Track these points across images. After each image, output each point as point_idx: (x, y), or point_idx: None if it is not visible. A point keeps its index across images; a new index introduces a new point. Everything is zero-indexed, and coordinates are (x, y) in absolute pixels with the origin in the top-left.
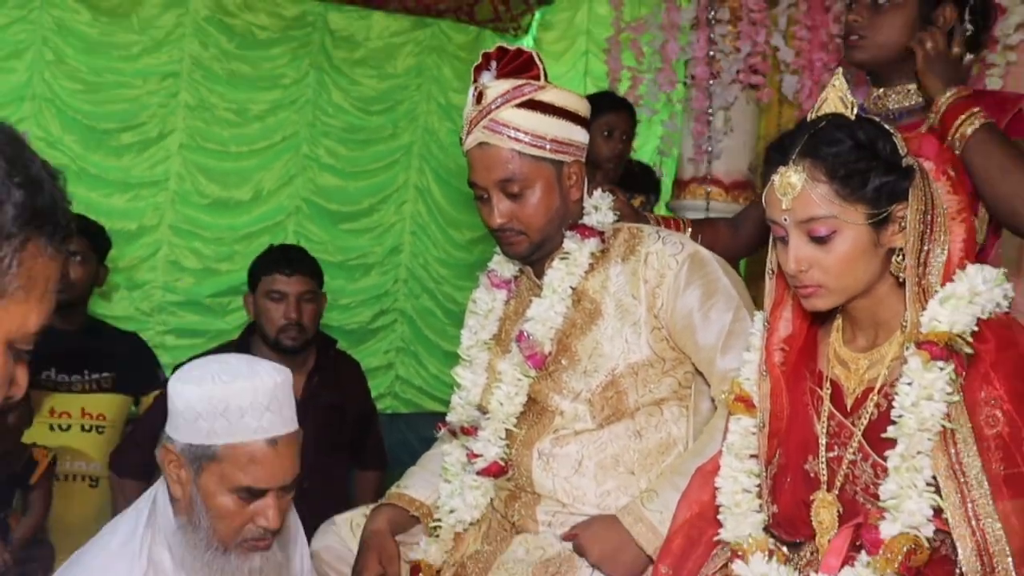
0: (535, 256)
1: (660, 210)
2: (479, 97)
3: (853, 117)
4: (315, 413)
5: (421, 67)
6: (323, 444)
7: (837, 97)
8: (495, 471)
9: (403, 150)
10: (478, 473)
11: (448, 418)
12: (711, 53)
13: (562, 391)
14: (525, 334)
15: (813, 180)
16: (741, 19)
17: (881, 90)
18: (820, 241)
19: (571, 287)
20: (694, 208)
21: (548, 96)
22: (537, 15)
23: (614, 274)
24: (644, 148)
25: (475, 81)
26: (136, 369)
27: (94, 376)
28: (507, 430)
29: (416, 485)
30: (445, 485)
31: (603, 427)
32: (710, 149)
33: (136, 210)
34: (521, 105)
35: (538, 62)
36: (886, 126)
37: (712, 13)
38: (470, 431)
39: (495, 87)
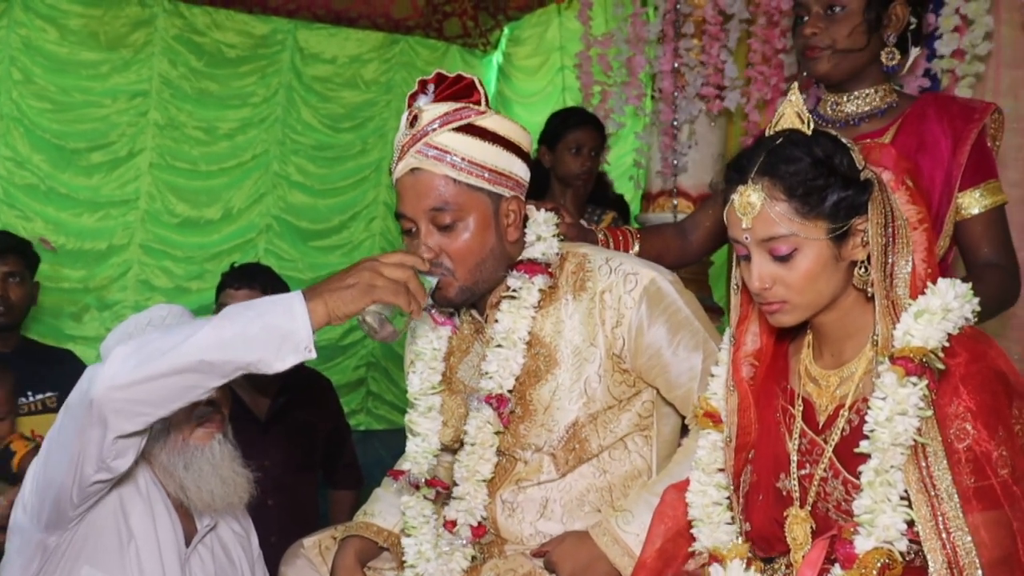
0: (469, 299)
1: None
2: (413, 120)
3: (810, 132)
4: (281, 433)
5: (390, 83)
6: (290, 463)
7: (794, 112)
8: (480, 534)
9: (372, 167)
10: (467, 542)
11: (406, 468)
12: (676, 67)
13: (522, 444)
14: (492, 395)
15: (772, 199)
16: (705, 32)
17: (838, 96)
18: (782, 259)
19: (527, 333)
20: (662, 221)
21: (489, 122)
22: (506, 31)
23: (566, 315)
24: (619, 161)
25: (409, 107)
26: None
27: (38, 397)
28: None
29: (383, 512)
30: (409, 541)
31: (567, 475)
32: (676, 162)
33: (106, 229)
34: (459, 129)
35: (479, 88)
36: (843, 139)
37: (678, 27)
38: (435, 483)
39: (431, 110)
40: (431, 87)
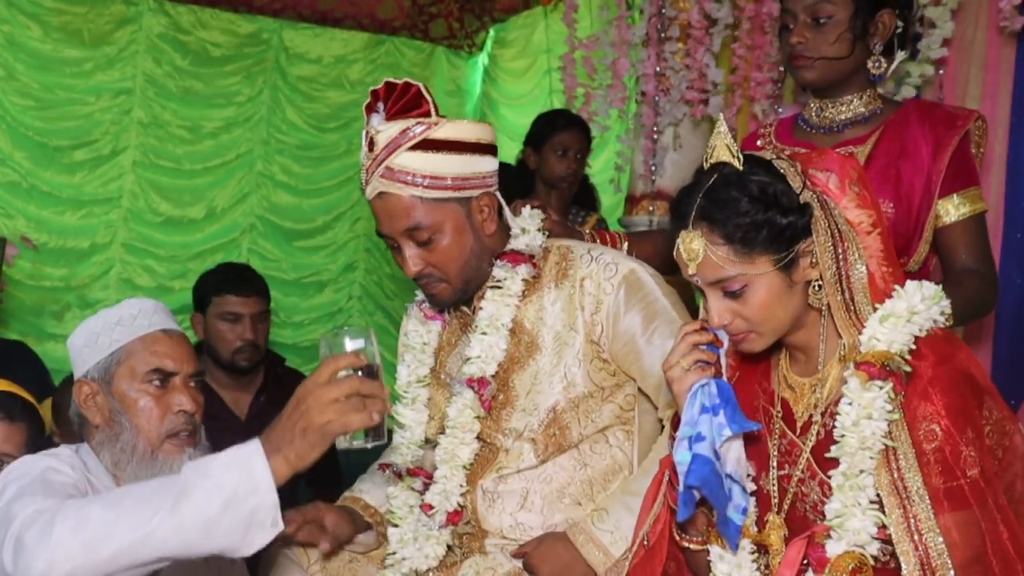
0: (463, 298)
1: (613, 227)
2: (371, 144)
3: (741, 167)
4: (262, 432)
5: (375, 84)
6: None
7: (724, 146)
8: (455, 520)
9: (357, 167)
10: (441, 526)
11: (392, 459)
12: (660, 70)
13: (503, 430)
14: (474, 378)
15: (712, 244)
16: (690, 36)
17: (823, 102)
18: (735, 295)
19: (510, 320)
20: (645, 224)
21: (442, 132)
22: (492, 32)
23: (549, 302)
24: (606, 165)
25: (367, 120)
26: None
27: None
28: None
29: (371, 491)
30: (394, 530)
31: (546, 461)
32: (654, 166)
33: (89, 228)
34: (415, 147)
35: (427, 96)
36: (777, 164)
37: (662, 30)
38: (418, 472)
39: (385, 131)
40: (380, 103)
